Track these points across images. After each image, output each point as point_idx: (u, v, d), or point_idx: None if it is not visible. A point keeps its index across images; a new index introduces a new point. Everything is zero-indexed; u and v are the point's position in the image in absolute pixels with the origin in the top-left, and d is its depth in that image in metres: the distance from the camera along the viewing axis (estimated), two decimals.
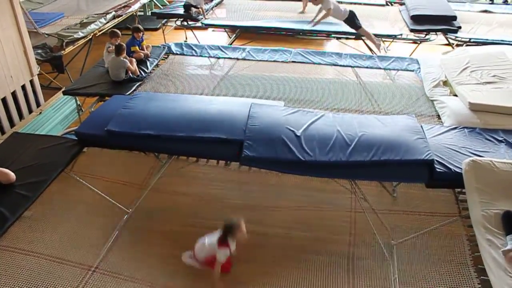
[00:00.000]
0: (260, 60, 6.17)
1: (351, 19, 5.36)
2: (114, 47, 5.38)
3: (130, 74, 5.38)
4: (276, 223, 3.70)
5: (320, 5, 5.25)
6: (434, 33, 7.60)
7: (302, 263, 3.33)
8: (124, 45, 5.43)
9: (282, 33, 8.16)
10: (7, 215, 3.30)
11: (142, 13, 10.14)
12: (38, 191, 3.58)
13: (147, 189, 4.08)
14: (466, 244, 3.40)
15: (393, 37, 7.74)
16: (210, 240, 3.14)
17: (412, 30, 7.54)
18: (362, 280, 3.17)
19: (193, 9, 8.06)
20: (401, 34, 7.62)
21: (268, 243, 3.51)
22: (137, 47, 5.86)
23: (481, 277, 3.01)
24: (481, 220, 3.16)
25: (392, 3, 9.07)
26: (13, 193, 3.51)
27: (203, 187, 4.06)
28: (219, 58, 6.27)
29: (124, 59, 5.27)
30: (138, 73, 5.49)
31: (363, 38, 7.81)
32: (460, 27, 7.39)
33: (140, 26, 6.12)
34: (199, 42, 7.80)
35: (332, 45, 8.88)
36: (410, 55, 7.13)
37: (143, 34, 6.06)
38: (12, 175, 3.50)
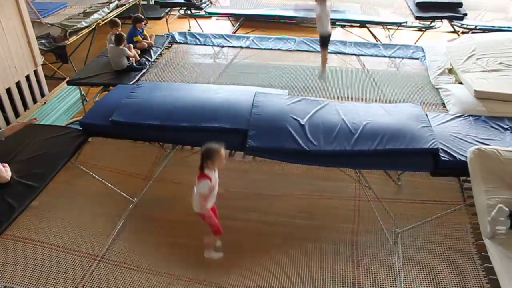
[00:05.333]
0: (264, 49, 6.15)
1: (328, 38, 5.33)
2: (114, 36, 5.38)
3: (133, 62, 5.38)
4: (280, 212, 3.71)
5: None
6: (439, 20, 7.54)
7: (306, 251, 3.34)
8: (124, 35, 5.42)
9: (286, 21, 8.12)
10: (14, 206, 3.33)
11: (145, 2, 10.08)
12: (44, 181, 3.61)
13: (152, 179, 4.09)
14: (470, 232, 3.40)
15: (398, 24, 7.68)
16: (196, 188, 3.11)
17: (417, 18, 7.48)
18: (366, 267, 3.18)
19: None
20: (406, 22, 7.57)
21: (273, 232, 3.52)
22: (139, 37, 5.85)
23: (485, 264, 3.02)
24: (486, 209, 3.15)
25: None
26: (20, 184, 3.54)
27: None
28: (223, 46, 6.25)
29: (124, 48, 5.26)
30: (139, 58, 5.50)
31: (367, 26, 7.77)
32: (466, 14, 7.31)
33: (141, 16, 6.10)
34: (202, 31, 7.77)
35: (336, 33, 8.81)
36: (415, 43, 7.07)
37: (145, 24, 6.04)
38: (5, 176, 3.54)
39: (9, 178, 3.54)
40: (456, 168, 3.57)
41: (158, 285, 3.04)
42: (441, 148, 3.60)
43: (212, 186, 3.08)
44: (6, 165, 3.63)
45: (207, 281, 3.09)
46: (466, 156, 3.49)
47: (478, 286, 2.96)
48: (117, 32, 5.41)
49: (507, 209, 3.00)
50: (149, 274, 3.17)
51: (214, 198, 3.18)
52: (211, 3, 8.27)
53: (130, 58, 5.37)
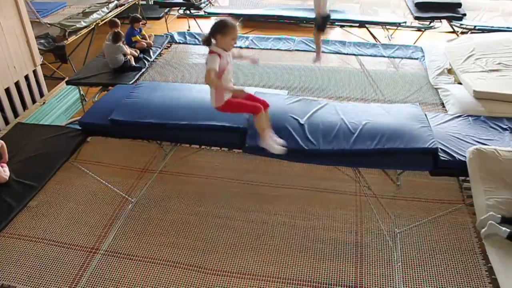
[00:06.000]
0: (263, 49, 6.16)
1: (327, 19, 5.16)
2: (112, 34, 5.37)
3: (131, 60, 5.38)
4: (279, 212, 3.71)
5: None
6: (438, 20, 7.54)
7: (306, 251, 3.34)
8: (122, 33, 5.42)
9: (286, 21, 8.13)
10: (13, 205, 3.34)
11: (144, 2, 10.08)
12: (43, 180, 3.61)
13: (151, 178, 4.09)
14: (473, 231, 3.40)
15: (397, 24, 7.69)
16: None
17: (416, 18, 7.49)
18: (366, 267, 3.18)
19: None
20: (405, 22, 7.58)
21: (272, 232, 3.52)
22: (138, 37, 5.86)
23: (489, 264, 3.01)
24: (485, 209, 3.16)
25: None
26: (19, 184, 3.54)
27: (207, 176, 4.06)
28: None
29: (120, 44, 5.26)
30: (135, 53, 5.56)
31: (366, 26, 7.77)
32: (465, 14, 7.32)
33: (138, 16, 6.11)
34: (202, 31, 7.76)
35: (335, 33, 8.83)
36: (414, 43, 7.08)
37: (144, 24, 6.03)
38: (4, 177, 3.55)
39: (7, 178, 3.54)
40: (455, 168, 3.58)
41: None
42: (440, 148, 3.61)
43: (223, 66, 2.95)
44: (5, 165, 3.64)
45: (205, 280, 3.09)
46: (465, 156, 3.50)
47: (480, 286, 2.97)
48: (115, 30, 5.40)
49: (498, 216, 3.01)
50: (144, 262, 3.21)
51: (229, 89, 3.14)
52: (210, 3, 8.28)
53: (127, 56, 5.37)
